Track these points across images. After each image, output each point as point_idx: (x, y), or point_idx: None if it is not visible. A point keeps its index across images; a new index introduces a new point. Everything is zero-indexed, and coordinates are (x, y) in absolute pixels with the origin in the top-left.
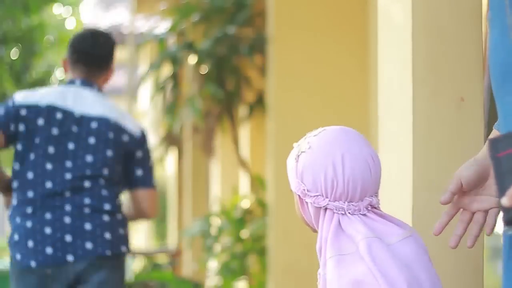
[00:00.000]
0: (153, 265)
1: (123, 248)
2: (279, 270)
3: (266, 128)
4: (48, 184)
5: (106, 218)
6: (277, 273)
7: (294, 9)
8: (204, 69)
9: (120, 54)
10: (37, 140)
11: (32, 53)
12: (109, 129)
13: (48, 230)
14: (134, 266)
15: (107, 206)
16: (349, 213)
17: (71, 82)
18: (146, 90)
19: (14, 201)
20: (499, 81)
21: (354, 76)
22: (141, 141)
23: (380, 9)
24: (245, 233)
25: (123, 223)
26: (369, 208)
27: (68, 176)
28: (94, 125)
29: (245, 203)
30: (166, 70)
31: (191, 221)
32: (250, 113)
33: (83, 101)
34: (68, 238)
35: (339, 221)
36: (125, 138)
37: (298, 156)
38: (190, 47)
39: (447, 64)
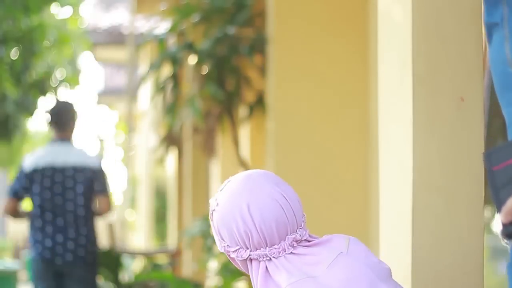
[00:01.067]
0: (153, 265)
1: (90, 259)
2: None
3: (266, 128)
4: (48, 217)
5: (82, 241)
6: None
7: (294, 9)
8: (204, 69)
9: (120, 54)
10: (36, 190)
11: (32, 53)
12: (79, 173)
13: (48, 243)
14: (134, 266)
15: (83, 231)
16: (273, 257)
17: (54, 141)
18: (146, 90)
19: (32, 223)
20: (500, 91)
21: (354, 76)
22: (99, 170)
23: (380, 9)
24: None
25: (94, 241)
26: (295, 245)
27: (61, 213)
28: (70, 172)
29: None
30: (166, 70)
31: (191, 221)
32: (250, 113)
33: (62, 155)
34: (59, 249)
35: (266, 267)
36: (89, 174)
37: (212, 214)
38: (190, 47)
39: (447, 64)
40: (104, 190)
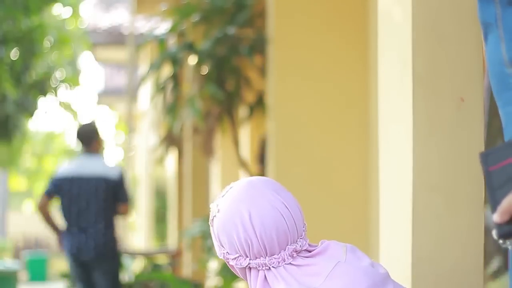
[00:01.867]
0: (153, 265)
1: (110, 255)
2: None
3: (266, 128)
4: (74, 219)
5: (101, 240)
6: None
7: (294, 10)
8: (204, 69)
9: (120, 54)
10: (64, 196)
11: (32, 53)
12: (101, 183)
13: (76, 243)
14: (134, 267)
15: (103, 232)
16: (273, 267)
17: (81, 154)
18: (146, 91)
19: (63, 224)
20: (497, 91)
21: (354, 76)
22: (119, 180)
23: (380, 9)
24: None
25: (113, 240)
26: (295, 255)
27: (84, 216)
28: (93, 182)
29: None
30: (166, 70)
31: (191, 221)
32: (250, 114)
33: (87, 167)
34: (84, 247)
35: (265, 277)
36: (111, 183)
37: (212, 220)
38: (190, 48)
39: (447, 64)
40: (125, 200)
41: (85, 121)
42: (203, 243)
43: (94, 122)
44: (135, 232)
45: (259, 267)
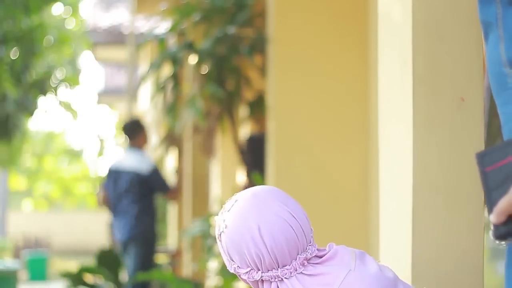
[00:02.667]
0: None
1: (143, 240)
2: None
3: (267, 128)
4: (115, 207)
5: (137, 223)
6: None
7: (294, 9)
8: (204, 69)
9: (120, 54)
10: (109, 186)
11: (32, 53)
12: (133, 177)
13: (117, 228)
14: None
15: (139, 217)
16: (285, 278)
17: (127, 149)
18: (146, 90)
19: (111, 218)
20: (495, 91)
21: (354, 76)
22: (150, 175)
23: (380, 9)
24: None
25: (148, 226)
26: (306, 263)
27: (125, 202)
28: (127, 176)
29: None
30: (167, 70)
31: (191, 221)
32: (250, 113)
33: (125, 161)
34: (122, 229)
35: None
36: (142, 178)
37: (220, 235)
38: (190, 47)
39: (447, 64)
40: (163, 190)
41: (131, 117)
42: (203, 243)
43: (139, 118)
44: None
45: (271, 279)
